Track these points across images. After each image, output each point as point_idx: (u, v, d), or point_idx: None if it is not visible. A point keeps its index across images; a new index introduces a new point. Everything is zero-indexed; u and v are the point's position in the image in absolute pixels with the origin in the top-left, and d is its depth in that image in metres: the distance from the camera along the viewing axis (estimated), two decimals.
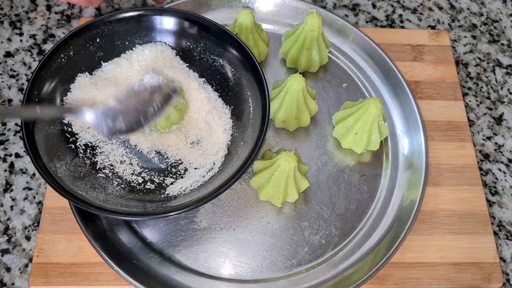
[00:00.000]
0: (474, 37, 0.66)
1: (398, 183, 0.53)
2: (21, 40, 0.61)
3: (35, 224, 0.50)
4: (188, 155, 0.47)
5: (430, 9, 0.68)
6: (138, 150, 0.48)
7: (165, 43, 0.50)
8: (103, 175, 0.45)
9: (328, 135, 0.55)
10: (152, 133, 0.48)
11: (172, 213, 0.41)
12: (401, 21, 0.66)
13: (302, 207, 0.51)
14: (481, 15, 0.68)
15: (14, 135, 0.55)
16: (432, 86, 0.60)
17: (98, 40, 0.48)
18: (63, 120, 0.46)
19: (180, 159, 0.47)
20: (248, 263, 0.48)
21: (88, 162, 0.46)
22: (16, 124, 0.56)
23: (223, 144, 0.47)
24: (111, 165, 0.46)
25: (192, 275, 0.47)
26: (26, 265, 0.48)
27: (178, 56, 0.50)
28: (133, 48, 0.50)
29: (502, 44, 0.66)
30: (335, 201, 0.51)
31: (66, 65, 0.47)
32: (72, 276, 0.47)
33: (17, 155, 0.54)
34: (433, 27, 0.66)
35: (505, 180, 0.56)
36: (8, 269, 0.48)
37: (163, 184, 0.46)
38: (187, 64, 0.50)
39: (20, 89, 0.58)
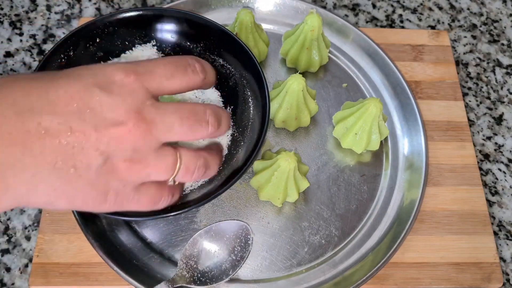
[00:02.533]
0: (474, 37, 0.66)
1: (398, 183, 0.53)
2: (21, 40, 0.61)
3: (35, 224, 0.50)
4: None
5: (430, 9, 0.68)
6: None
7: (158, 45, 0.49)
8: None
9: (328, 135, 0.55)
10: None
11: (172, 213, 0.40)
12: (401, 21, 0.66)
13: (302, 207, 0.51)
14: (481, 15, 0.68)
15: None
16: (432, 86, 0.60)
17: (98, 40, 0.48)
18: None
19: None
20: (248, 263, 0.48)
21: None
22: None
23: (223, 144, 0.47)
24: None
25: None
26: (26, 265, 0.48)
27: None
28: (133, 48, 0.50)
29: (502, 44, 0.66)
30: (335, 201, 0.51)
31: (66, 65, 0.47)
32: (72, 276, 0.47)
33: None
34: (433, 27, 0.66)
35: (505, 180, 0.56)
36: (8, 269, 0.48)
37: None
38: None
39: None
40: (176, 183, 0.37)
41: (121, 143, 0.32)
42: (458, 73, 0.63)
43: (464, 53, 0.65)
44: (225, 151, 0.47)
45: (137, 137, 0.32)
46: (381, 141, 0.53)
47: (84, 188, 0.31)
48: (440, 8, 0.68)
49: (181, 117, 0.34)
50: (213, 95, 0.49)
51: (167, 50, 0.49)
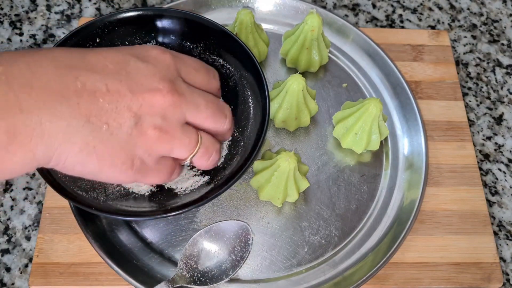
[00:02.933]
0: (474, 37, 0.66)
1: (398, 183, 0.53)
2: (21, 40, 0.61)
3: (35, 224, 0.50)
4: None
5: (430, 9, 0.68)
6: None
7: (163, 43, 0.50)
8: None
9: (328, 135, 0.55)
10: None
11: (172, 213, 0.41)
12: (401, 21, 0.66)
13: (302, 207, 0.51)
14: (481, 15, 0.68)
15: None
16: (432, 86, 0.60)
17: (98, 40, 0.48)
18: None
19: None
20: (248, 263, 0.48)
21: None
22: None
23: (223, 144, 0.47)
24: None
25: None
26: (26, 265, 0.48)
27: None
28: None
29: (502, 44, 0.66)
30: (335, 201, 0.51)
31: None
32: (72, 276, 0.47)
33: None
34: (433, 27, 0.66)
35: (505, 180, 0.56)
36: (8, 269, 0.48)
37: (162, 184, 0.46)
38: None
39: None
40: (191, 164, 0.39)
41: (153, 108, 0.34)
42: (458, 73, 0.63)
43: (464, 53, 0.65)
44: (225, 151, 0.47)
45: (168, 105, 0.34)
46: (381, 141, 0.53)
47: (114, 147, 0.33)
48: (440, 8, 0.68)
49: (207, 101, 0.37)
50: None
51: None
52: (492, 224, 0.54)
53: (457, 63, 0.64)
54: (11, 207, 0.51)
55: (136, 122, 0.33)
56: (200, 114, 0.36)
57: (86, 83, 0.32)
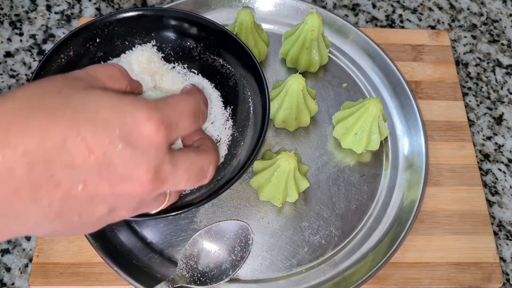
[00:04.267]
0: (474, 37, 0.66)
1: (398, 183, 0.53)
2: (21, 40, 0.61)
3: None
4: None
5: (430, 9, 0.68)
6: None
7: (158, 45, 0.49)
8: None
9: (328, 135, 0.55)
10: None
11: (172, 213, 0.41)
12: (401, 21, 0.66)
13: (302, 207, 0.51)
14: (481, 15, 0.68)
15: None
16: (432, 86, 0.60)
17: (98, 40, 0.48)
18: None
19: None
20: (248, 263, 0.48)
21: None
22: None
23: (223, 144, 0.47)
24: None
25: None
26: (26, 265, 0.48)
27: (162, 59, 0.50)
28: (133, 48, 0.50)
29: (502, 44, 0.66)
30: (335, 201, 0.51)
31: (66, 65, 0.47)
32: (72, 276, 0.47)
33: None
34: (433, 27, 0.66)
35: (505, 180, 0.56)
36: (8, 269, 0.48)
37: None
38: (186, 64, 0.50)
39: None
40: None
41: (131, 198, 0.31)
42: (458, 73, 0.63)
43: (464, 53, 0.65)
44: (225, 151, 0.47)
45: (147, 192, 0.31)
46: (381, 141, 0.53)
47: (82, 229, 0.32)
48: (440, 8, 0.68)
49: (189, 176, 0.34)
50: (213, 95, 0.49)
51: (167, 50, 0.50)
52: (492, 224, 0.54)
53: (457, 63, 0.64)
54: None
55: (110, 211, 0.31)
56: (177, 188, 0.34)
57: (62, 181, 0.28)
